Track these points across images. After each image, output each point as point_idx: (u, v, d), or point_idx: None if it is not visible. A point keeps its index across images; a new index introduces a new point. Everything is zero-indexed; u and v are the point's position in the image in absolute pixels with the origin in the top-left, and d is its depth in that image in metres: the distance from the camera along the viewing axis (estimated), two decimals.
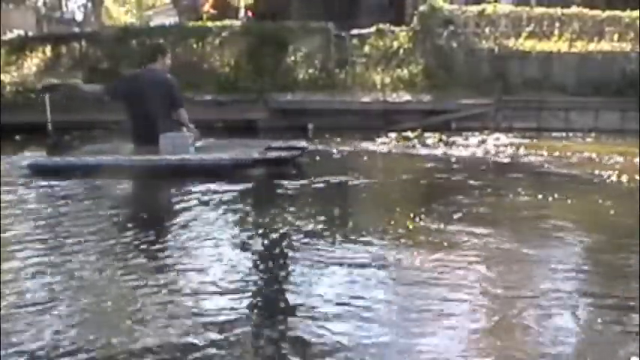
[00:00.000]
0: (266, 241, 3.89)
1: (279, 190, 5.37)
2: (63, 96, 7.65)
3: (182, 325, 2.66)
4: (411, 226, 4.16)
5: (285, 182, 5.56)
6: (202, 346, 2.49)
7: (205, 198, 5.10)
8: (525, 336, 2.57)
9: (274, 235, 3.99)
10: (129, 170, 5.76)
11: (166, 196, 5.43)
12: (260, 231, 4.09)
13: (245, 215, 4.67)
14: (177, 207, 4.93)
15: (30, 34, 15.78)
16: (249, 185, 5.61)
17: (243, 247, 3.83)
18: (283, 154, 6.18)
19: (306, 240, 3.86)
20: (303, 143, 6.79)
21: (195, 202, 5.00)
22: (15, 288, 3.12)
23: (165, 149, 6.00)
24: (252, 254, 3.72)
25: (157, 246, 3.91)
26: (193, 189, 5.38)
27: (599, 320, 2.71)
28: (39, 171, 6.01)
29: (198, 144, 6.36)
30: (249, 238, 3.98)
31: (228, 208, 4.83)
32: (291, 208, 4.69)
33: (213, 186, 5.41)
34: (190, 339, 2.54)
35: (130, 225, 4.36)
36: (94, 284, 3.19)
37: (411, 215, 4.38)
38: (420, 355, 2.44)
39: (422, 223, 4.23)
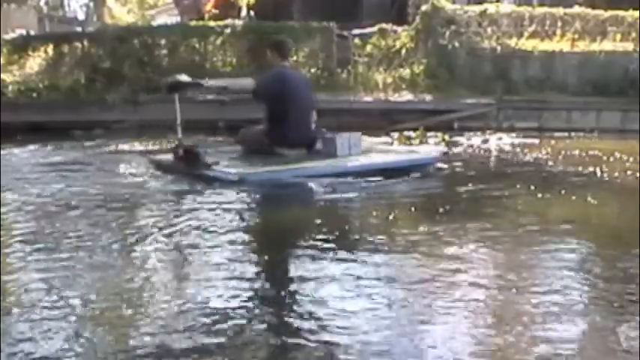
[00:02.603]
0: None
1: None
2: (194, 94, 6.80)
3: None
4: (407, 228, 4.15)
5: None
6: None
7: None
8: (524, 341, 2.56)
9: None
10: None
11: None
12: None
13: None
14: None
15: (32, 33, 15.80)
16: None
17: None
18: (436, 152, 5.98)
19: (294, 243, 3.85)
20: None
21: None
22: None
23: (342, 151, 5.57)
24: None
25: None
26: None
27: (598, 324, 2.70)
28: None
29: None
30: None
31: None
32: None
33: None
34: None
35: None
36: None
37: (409, 215, 4.38)
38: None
39: (420, 224, 4.23)
